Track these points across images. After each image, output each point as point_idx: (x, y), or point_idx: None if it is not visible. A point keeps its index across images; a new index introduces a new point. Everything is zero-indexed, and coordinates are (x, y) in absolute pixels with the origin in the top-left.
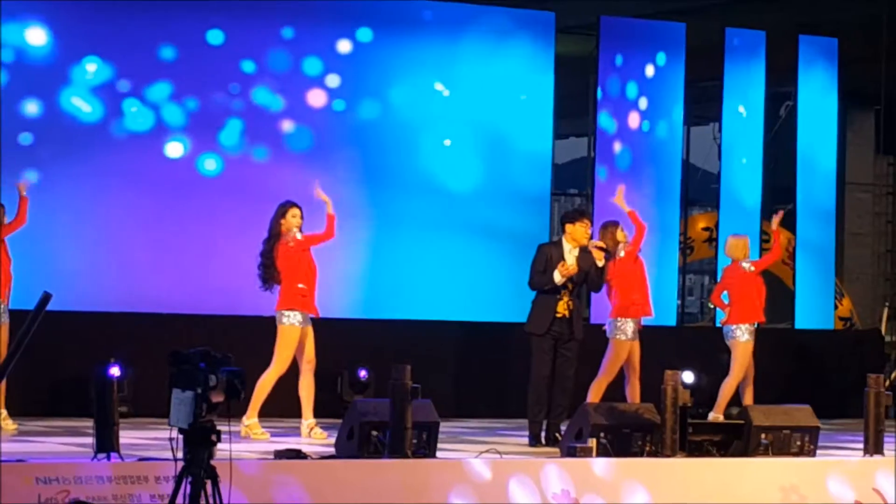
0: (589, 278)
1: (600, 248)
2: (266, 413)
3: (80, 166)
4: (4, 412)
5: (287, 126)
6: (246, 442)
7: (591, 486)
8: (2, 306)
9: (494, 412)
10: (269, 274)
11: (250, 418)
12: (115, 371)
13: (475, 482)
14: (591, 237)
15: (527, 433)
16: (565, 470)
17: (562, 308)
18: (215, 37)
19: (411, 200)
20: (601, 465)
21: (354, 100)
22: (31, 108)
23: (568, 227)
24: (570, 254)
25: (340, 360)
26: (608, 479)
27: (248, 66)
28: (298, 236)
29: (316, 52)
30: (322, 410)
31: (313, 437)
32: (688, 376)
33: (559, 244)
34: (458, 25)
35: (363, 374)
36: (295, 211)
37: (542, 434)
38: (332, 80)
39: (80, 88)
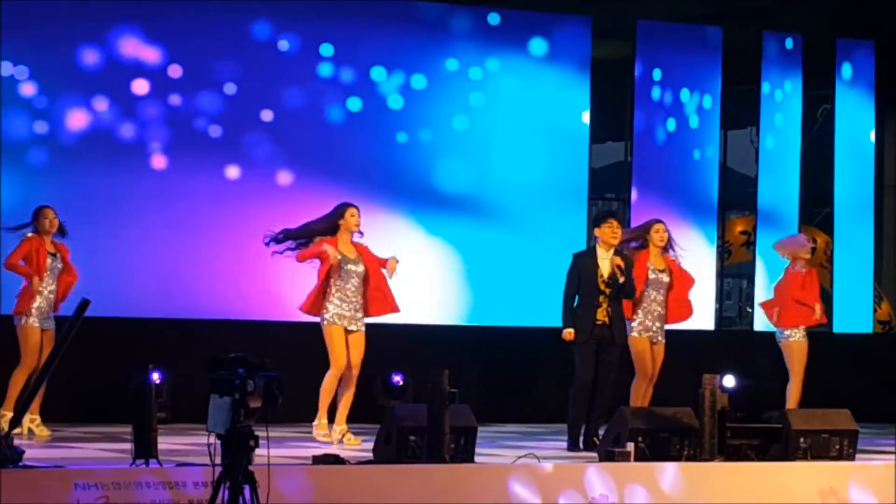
0: (622, 286)
1: (619, 268)
2: (300, 418)
3: (118, 174)
4: (38, 418)
5: (318, 133)
6: (285, 447)
7: (629, 490)
8: (50, 313)
9: (531, 417)
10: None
11: (319, 419)
12: (155, 377)
13: (514, 487)
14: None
15: (563, 438)
16: (604, 474)
17: (601, 315)
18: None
19: (445, 205)
20: (640, 470)
21: (380, 100)
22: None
23: (596, 231)
24: (605, 260)
25: (374, 364)
26: (647, 483)
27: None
28: (356, 238)
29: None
30: (354, 415)
31: (346, 442)
32: (729, 380)
33: (592, 252)
34: (494, 31)
35: (397, 379)
36: (353, 211)
37: (581, 439)
38: (347, 75)
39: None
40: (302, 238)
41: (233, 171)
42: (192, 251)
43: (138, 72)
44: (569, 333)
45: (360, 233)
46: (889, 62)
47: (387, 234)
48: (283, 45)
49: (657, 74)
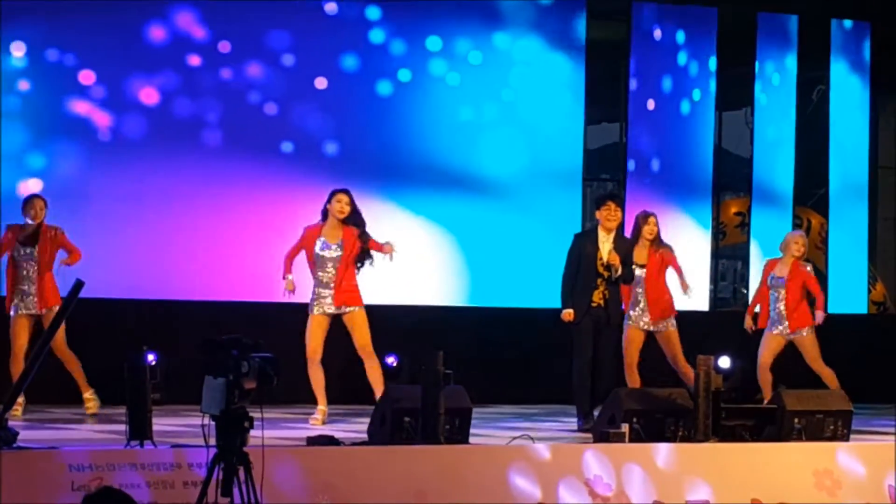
0: (620, 276)
1: (613, 266)
2: (297, 400)
3: (112, 155)
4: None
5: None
6: (279, 428)
7: (624, 470)
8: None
9: (525, 398)
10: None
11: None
12: (150, 358)
13: (509, 467)
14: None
15: (559, 419)
16: (599, 455)
17: (597, 297)
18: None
19: (442, 186)
20: (634, 451)
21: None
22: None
23: (597, 213)
24: (605, 243)
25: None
26: (641, 464)
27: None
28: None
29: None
30: (349, 397)
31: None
32: (724, 361)
33: (594, 234)
34: (489, 10)
35: (391, 360)
36: (339, 196)
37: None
38: (350, 62)
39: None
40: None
41: (231, 152)
42: (185, 232)
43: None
44: (568, 314)
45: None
46: (884, 43)
47: (380, 215)
48: None
49: (652, 55)
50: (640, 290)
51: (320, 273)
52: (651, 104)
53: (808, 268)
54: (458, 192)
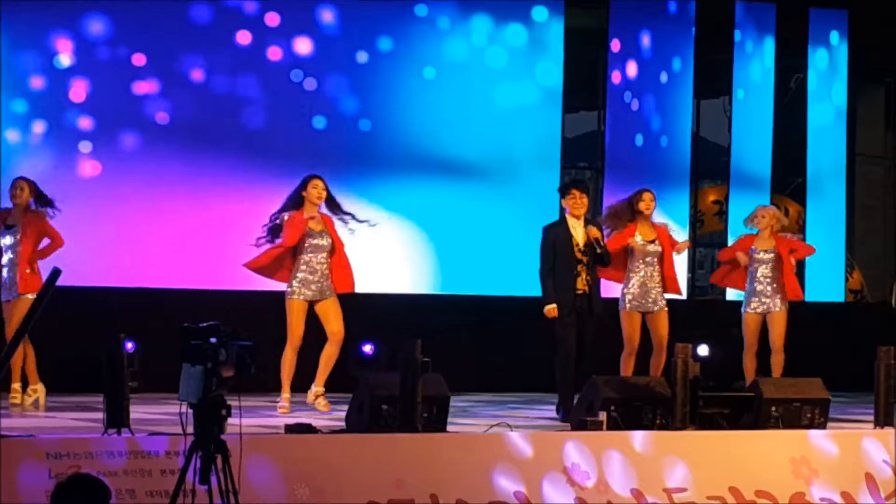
0: (599, 256)
1: (596, 241)
2: (273, 387)
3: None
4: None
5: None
6: (257, 416)
7: (602, 458)
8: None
9: (504, 386)
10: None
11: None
12: (129, 346)
13: (486, 455)
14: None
15: (538, 406)
16: (578, 443)
17: (581, 284)
18: None
19: (419, 175)
20: (613, 438)
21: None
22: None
23: (563, 202)
24: (577, 229)
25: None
26: (620, 452)
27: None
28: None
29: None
30: (327, 385)
31: (316, 405)
32: (703, 349)
33: (563, 223)
34: None
35: (368, 348)
36: (316, 182)
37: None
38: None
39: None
40: (277, 224)
41: (207, 137)
42: (163, 219)
43: None
44: (552, 310)
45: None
46: (862, 31)
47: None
48: None
49: (630, 44)
50: (651, 269)
51: (308, 259)
52: (628, 92)
53: (788, 235)
54: (434, 180)
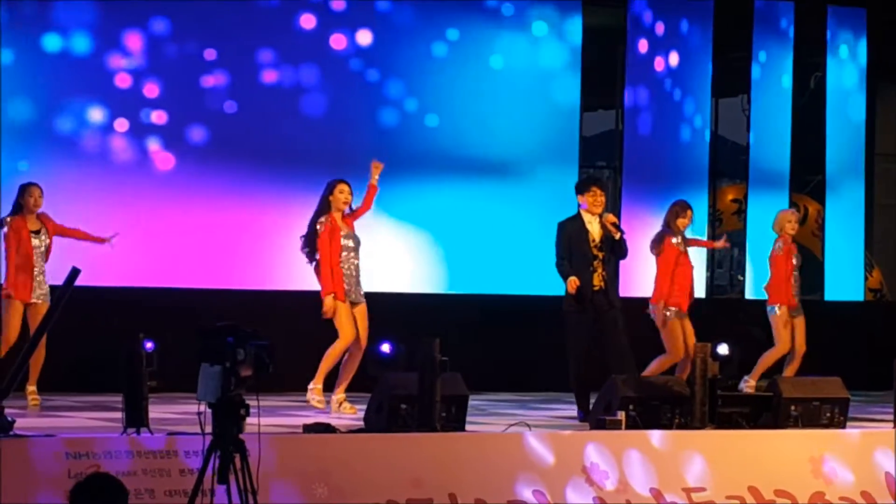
0: (618, 242)
1: (614, 225)
2: (291, 387)
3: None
4: (33, 388)
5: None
6: (275, 416)
7: (622, 458)
8: (45, 287)
9: (522, 385)
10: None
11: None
12: (148, 346)
13: (504, 455)
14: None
15: (556, 405)
16: (596, 443)
17: (597, 280)
18: None
19: (437, 174)
20: (632, 438)
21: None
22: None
23: (580, 198)
24: (593, 224)
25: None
26: (639, 452)
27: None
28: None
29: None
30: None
31: (343, 410)
32: (723, 348)
33: (578, 218)
34: None
35: (386, 348)
36: (342, 187)
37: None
38: (363, 40)
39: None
40: (313, 231)
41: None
42: (182, 219)
43: None
44: (573, 281)
45: (350, 208)
46: (880, 29)
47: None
48: None
49: (649, 42)
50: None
51: (342, 263)
52: (647, 90)
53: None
54: (452, 179)
